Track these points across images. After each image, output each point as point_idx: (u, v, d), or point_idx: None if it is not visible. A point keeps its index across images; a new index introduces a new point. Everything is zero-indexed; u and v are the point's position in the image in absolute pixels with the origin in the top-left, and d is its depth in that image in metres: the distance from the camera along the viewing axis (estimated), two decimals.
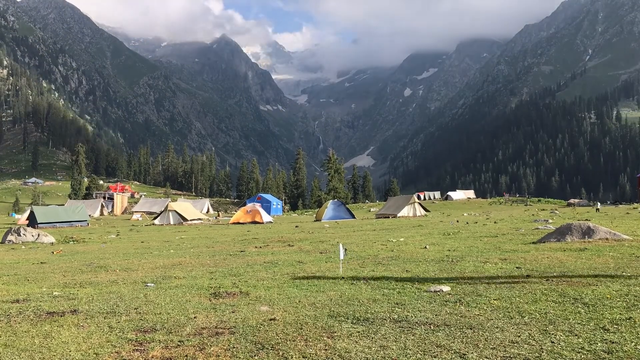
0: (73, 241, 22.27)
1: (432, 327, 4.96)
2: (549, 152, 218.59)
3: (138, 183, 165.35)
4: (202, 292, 7.32)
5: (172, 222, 39.78)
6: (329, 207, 38.60)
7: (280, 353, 4.35)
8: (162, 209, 43.64)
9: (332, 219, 36.04)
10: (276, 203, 71.33)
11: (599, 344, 4.30)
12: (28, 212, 48.70)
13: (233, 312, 5.91)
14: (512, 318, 5.22)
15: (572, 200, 67.62)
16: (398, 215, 38.37)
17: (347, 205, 45.92)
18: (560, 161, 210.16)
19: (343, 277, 8.07)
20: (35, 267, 11.96)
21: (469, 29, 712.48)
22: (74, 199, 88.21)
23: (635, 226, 15.86)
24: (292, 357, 4.26)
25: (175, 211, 40.84)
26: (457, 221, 25.34)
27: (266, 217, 37.42)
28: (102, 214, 70.96)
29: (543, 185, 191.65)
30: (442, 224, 23.28)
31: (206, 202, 79.87)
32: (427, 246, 12.84)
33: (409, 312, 5.62)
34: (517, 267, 8.51)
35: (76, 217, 43.80)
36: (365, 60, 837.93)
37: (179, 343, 4.71)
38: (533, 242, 12.41)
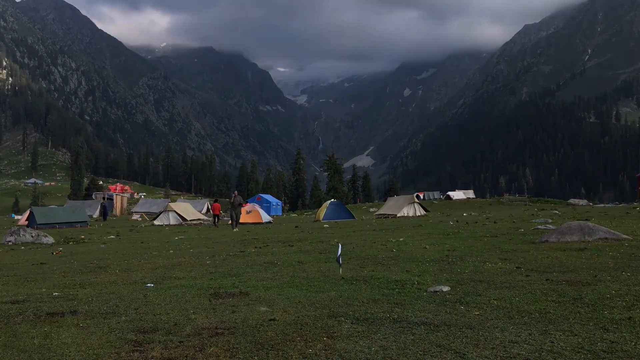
0: (73, 242, 22.26)
1: (431, 327, 4.97)
2: (548, 152, 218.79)
3: (138, 183, 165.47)
4: (201, 292, 7.32)
5: (171, 223, 39.71)
6: (329, 207, 38.52)
7: (280, 353, 4.35)
8: (162, 210, 43.58)
9: (332, 219, 36.00)
10: (276, 203, 71.24)
11: (599, 344, 4.30)
12: (27, 213, 48.67)
13: (233, 312, 5.91)
14: (512, 318, 5.22)
15: (571, 200, 67.56)
16: (398, 215, 38.33)
17: (346, 206, 45.85)
18: (560, 161, 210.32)
19: (343, 277, 8.07)
20: (35, 267, 11.95)
21: (467, 33, 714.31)
22: (74, 200, 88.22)
23: (635, 226, 15.86)
24: (291, 358, 4.25)
25: (174, 211, 40.77)
26: (457, 221, 25.32)
27: (266, 217, 37.37)
28: (101, 214, 70.85)
29: (542, 185, 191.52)
30: (442, 224, 23.27)
31: (206, 203, 79.82)
32: (427, 246, 12.84)
33: (408, 312, 5.62)
34: (517, 267, 8.52)
35: (76, 218, 43.72)
36: (361, 67, 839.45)
37: (178, 343, 4.71)
38: (533, 242, 12.41)
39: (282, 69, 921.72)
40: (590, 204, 60.75)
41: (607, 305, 5.55)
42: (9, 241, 21.54)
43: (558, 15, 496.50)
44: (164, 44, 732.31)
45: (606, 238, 11.57)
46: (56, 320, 5.73)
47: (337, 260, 8.49)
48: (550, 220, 20.25)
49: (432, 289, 6.77)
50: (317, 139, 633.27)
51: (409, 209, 39.52)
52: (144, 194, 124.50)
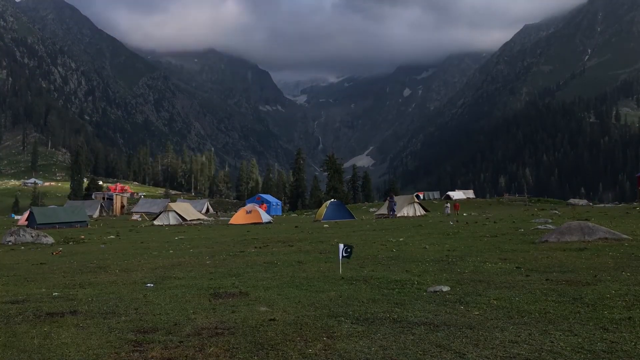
0: (72, 242, 22.26)
1: (431, 327, 4.96)
2: (548, 152, 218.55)
3: (137, 183, 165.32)
4: (201, 292, 7.31)
5: (171, 223, 39.73)
6: (329, 207, 38.53)
7: (280, 353, 4.35)
8: (162, 210, 43.61)
9: (332, 219, 36.00)
10: (276, 203, 71.29)
11: (599, 344, 4.30)
12: (27, 213, 48.66)
13: (233, 312, 5.90)
14: (511, 318, 5.22)
15: (571, 200, 67.53)
16: (398, 215, 38.34)
17: (346, 206, 45.84)
18: (560, 161, 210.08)
19: (343, 277, 8.07)
20: (35, 267, 11.95)
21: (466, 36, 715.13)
22: (74, 200, 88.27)
23: (635, 226, 15.86)
24: (291, 357, 4.25)
25: (174, 211, 40.79)
26: (457, 221, 25.33)
27: (266, 218, 37.38)
28: (101, 214, 70.92)
29: (542, 185, 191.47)
30: (442, 224, 23.26)
31: (206, 203, 79.91)
32: (427, 246, 12.84)
33: (408, 312, 5.62)
34: (517, 267, 8.52)
35: (76, 218, 43.75)
36: (361, 67, 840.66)
37: (178, 343, 4.71)
38: (533, 242, 12.41)
39: (282, 69, 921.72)
40: (590, 203, 60.69)
41: (607, 305, 5.55)
42: (9, 241, 21.53)
43: (558, 15, 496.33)
44: (164, 44, 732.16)
45: (606, 238, 11.56)
46: (56, 320, 5.73)
47: (348, 255, 8.50)
48: (550, 220, 20.25)
49: (432, 289, 6.77)
50: (317, 139, 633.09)
51: (409, 209, 39.54)
52: (144, 193, 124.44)
